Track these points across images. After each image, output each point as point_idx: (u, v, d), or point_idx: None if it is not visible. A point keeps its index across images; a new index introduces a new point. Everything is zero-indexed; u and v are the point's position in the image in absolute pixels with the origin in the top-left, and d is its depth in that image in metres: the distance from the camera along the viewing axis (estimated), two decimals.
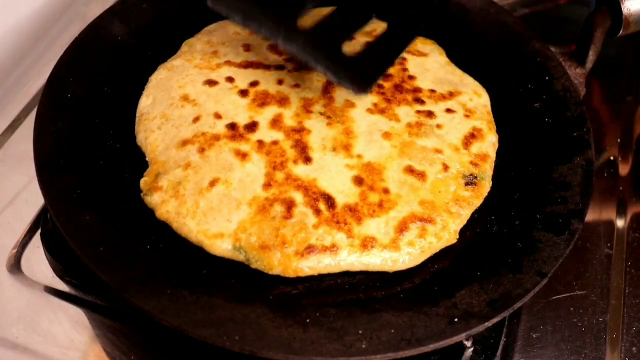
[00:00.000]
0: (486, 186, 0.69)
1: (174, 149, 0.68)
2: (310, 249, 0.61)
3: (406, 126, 0.71)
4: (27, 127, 0.82)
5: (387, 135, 0.70)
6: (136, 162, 0.69)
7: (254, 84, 0.74)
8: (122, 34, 0.79)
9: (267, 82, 0.74)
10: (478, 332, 0.57)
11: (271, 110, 0.71)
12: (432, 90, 0.75)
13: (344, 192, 0.65)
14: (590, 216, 0.76)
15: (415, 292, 0.61)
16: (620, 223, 0.77)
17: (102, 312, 0.66)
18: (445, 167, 0.68)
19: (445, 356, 0.63)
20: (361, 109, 0.72)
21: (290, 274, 0.61)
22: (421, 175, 0.67)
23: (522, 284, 0.60)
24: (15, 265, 0.70)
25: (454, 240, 0.65)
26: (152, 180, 0.66)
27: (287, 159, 0.67)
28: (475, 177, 0.68)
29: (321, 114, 0.71)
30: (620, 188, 0.81)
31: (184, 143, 0.68)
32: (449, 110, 0.73)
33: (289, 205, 0.63)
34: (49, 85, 0.71)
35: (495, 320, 0.58)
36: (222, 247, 0.62)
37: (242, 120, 0.70)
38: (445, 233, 0.64)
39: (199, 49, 0.79)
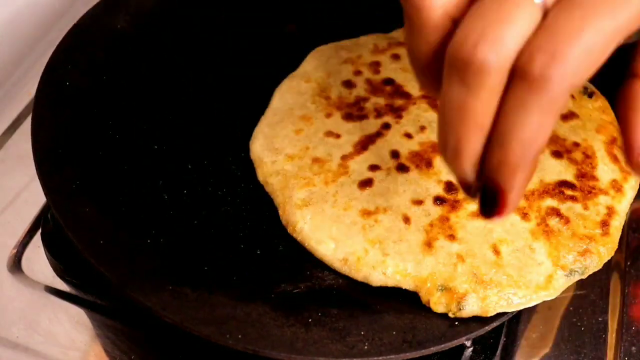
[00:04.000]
0: None
1: None
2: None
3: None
4: (27, 127, 0.82)
5: None
6: (135, 153, 0.68)
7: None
8: (122, 22, 0.79)
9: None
10: (478, 335, 0.58)
11: None
12: None
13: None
14: None
15: (416, 293, 0.61)
16: None
17: (102, 311, 0.66)
18: None
19: (445, 355, 0.63)
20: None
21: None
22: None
23: None
24: (15, 265, 0.70)
25: None
26: None
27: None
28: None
29: None
30: None
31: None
32: None
33: None
34: (46, 74, 0.71)
35: (495, 324, 0.58)
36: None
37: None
38: None
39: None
